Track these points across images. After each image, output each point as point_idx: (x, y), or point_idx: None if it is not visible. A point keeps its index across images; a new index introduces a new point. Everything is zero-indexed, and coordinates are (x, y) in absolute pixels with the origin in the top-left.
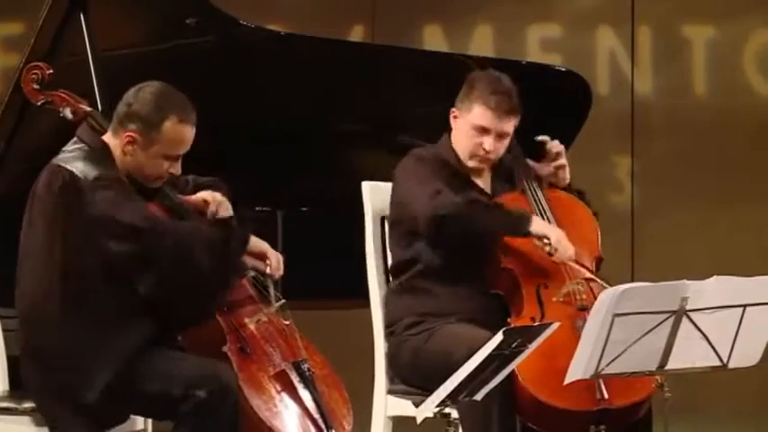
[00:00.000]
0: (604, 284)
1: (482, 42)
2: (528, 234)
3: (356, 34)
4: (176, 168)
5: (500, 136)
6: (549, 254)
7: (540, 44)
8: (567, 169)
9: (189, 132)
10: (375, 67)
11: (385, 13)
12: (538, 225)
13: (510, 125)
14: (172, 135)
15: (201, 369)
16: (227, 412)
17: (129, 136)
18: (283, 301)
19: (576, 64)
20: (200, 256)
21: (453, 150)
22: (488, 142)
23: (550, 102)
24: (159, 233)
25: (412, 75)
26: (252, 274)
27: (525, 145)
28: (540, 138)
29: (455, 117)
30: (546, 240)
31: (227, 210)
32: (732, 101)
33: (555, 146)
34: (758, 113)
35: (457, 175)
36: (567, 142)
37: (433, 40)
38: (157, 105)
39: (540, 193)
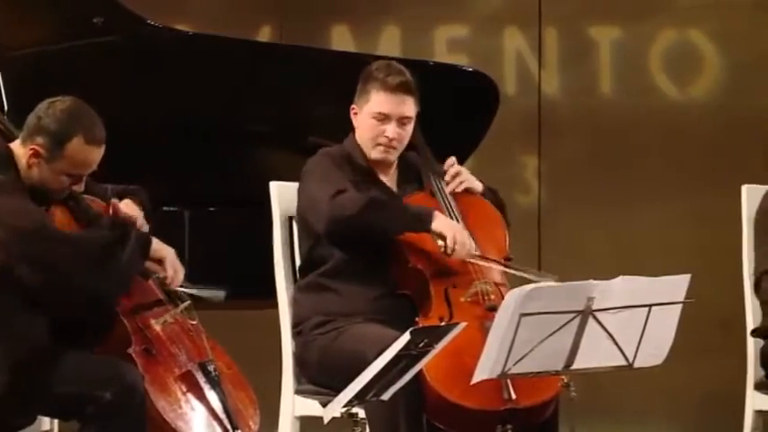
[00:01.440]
0: (522, 271)
1: (389, 43)
2: (428, 231)
3: (264, 34)
4: (80, 186)
5: (401, 122)
6: (446, 254)
7: (447, 45)
8: (473, 180)
9: (94, 154)
10: (282, 67)
11: (293, 13)
12: (439, 223)
13: (409, 107)
14: (76, 155)
15: (107, 370)
16: (133, 413)
17: (33, 149)
18: (189, 302)
19: (483, 65)
20: (92, 262)
21: (358, 147)
22: (390, 129)
23: (458, 102)
24: (54, 239)
25: (319, 75)
26: (160, 275)
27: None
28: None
29: (355, 113)
30: (442, 241)
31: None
32: (638, 101)
33: (451, 166)
34: (663, 114)
35: (362, 171)
36: (474, 143)
37: (341, 40)
38: (66, 123)
39: (448, 194)
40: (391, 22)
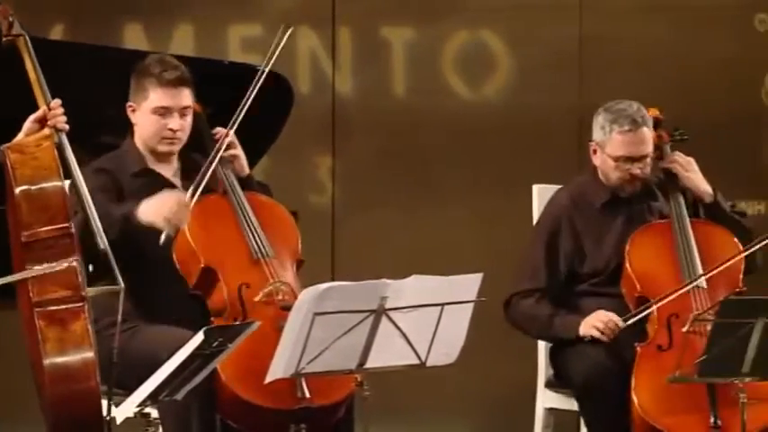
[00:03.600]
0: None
1: (183, 42)
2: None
3: (57, 33)
4: None
5: (182, 113)
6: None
7: (241, 44)
8: (243, 159)
9: None
10: (72, 65)
11: (86, 11)
12: (144, 212)
13: (187, 98)
14: None
15: None
16: None
17: None
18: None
19: (277, 64)
20: None
21: (135, 147)
22: (173, 122)
23: (252, 101)
24: None
25: (110, 74)
26: None
27: None
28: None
29: (133, 110)
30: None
31: None
32: (431, 101)
33: (223, 135)
34: (456, 114)
35: (139, 174)
36: (269, 142)
37: (134, 39)
38: None
39: (241, 194)
40: (185, 20)
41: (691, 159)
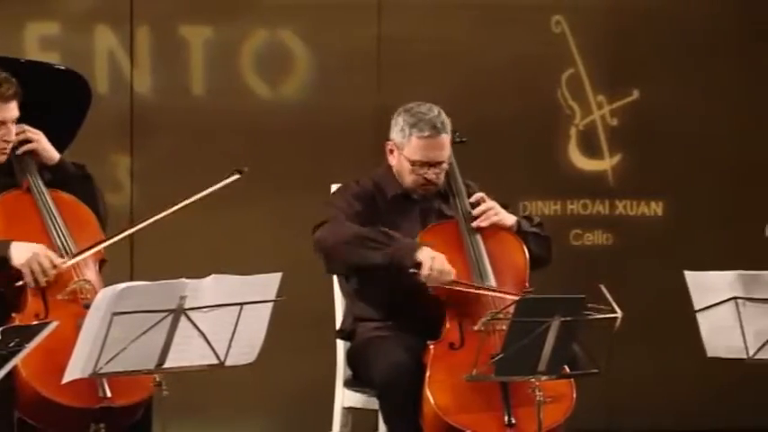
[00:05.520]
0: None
1: None
2: None
3: None
4: None
5: (3, 123)
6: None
7: (38, 43)
8: (47, 149)
9: None
10: None
11: None
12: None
13: (14, 109)
14: None
15: None
16: None
17: None
18: None
19: (75, 63)
20: None
21: None
22: (5, 134)
23: (50, 100)
24: None
25: None
26: None
27: None
28: None
29: None
30: None
31: None
32: (230, 101)
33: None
34: (255, 114)
35: None
36: (67, 141)
37: None
38: None
39: (45, 191)
40: None
41: (493, 204)
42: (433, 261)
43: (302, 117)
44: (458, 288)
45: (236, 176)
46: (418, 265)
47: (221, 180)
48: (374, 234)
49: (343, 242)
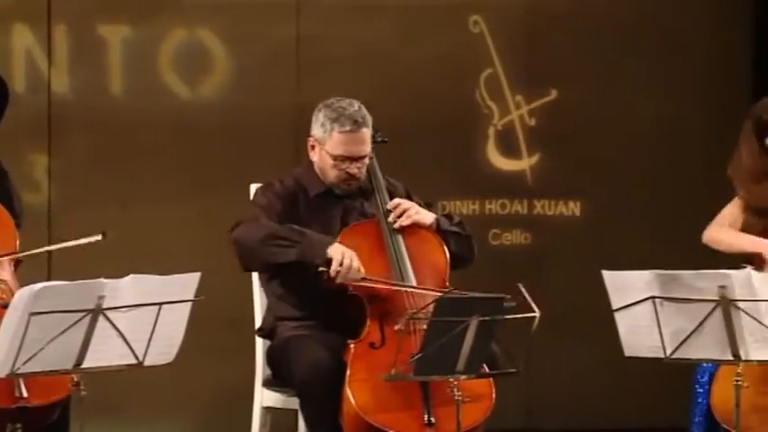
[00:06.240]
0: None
1: None
2: None
3: None
4: None
5: None
6: None
7: None
8: None
9: None
10: None
11: None
12: None
13: None
14: None
15: None
16: None
17: None
18: None
19: None
20: None
21: None
22: None
23: None
24: None
25: None
26: None
27: None
28: None
29: None
30: None
31: None
32: (148, 101)
33: None
34: (174, 113)
35: None
36: None
37: None
38: None
39: None
40: None
41: (412, 204)
42: (343, 257)
43: (221, 116)
44: (368, 285)
45: (99, 237)
46: (329, 262)
47: (86, 237)
48: (286, 232)
49: (256, 240)
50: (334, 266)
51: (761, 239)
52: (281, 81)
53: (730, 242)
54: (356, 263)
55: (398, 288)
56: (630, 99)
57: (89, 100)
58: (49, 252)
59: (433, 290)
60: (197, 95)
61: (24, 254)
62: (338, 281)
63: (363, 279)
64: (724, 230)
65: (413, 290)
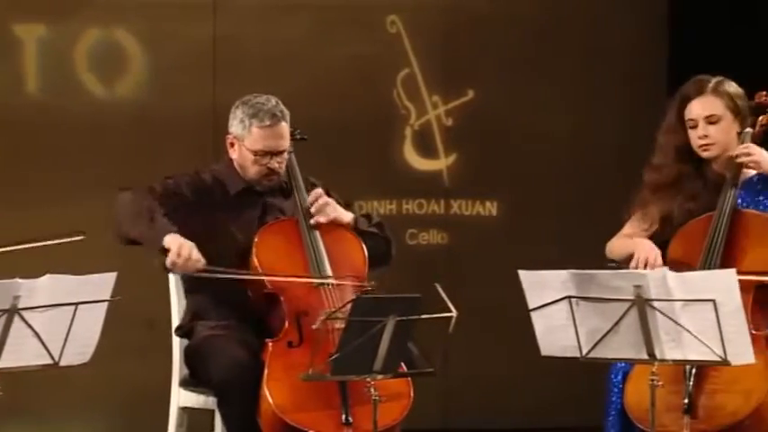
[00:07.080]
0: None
1: None
2: None
3: None
4: None
5: None
6: None
7: None
8: None
9: None
10: None
11: None
12: None
13: None
14: None
15: None
16: None
17: None
18: None
19: None
20: None
21: None
22: None
23: None
24: None
25: None
26: None
27: None
28: None
29: None
30: None
31: None
32: (64, 100)
33: None
34: (90, 112)
35: None
36: None
37: None
38: None
39: None
40: None
41: (330, 200)
42: (180, 249)
43: (138, 116)
44: (206, 275)
45: (81, 237)
46: (166, 251)
47: (64, 237)
48: (145, 211)
49: (121, 210)
50: (171, 257)
51: (639, 239)
52: (198, 81)
53: (619, 250)
54: (195, 254)
55: (237, 276)
56: (546, 100)
57: (3, 98)
58: None
59: (305, 277)
60: (113, 94)
61: None
62: (175, 271)
63: (202, 270)
64: (616, 239)
65: (269, 278)
